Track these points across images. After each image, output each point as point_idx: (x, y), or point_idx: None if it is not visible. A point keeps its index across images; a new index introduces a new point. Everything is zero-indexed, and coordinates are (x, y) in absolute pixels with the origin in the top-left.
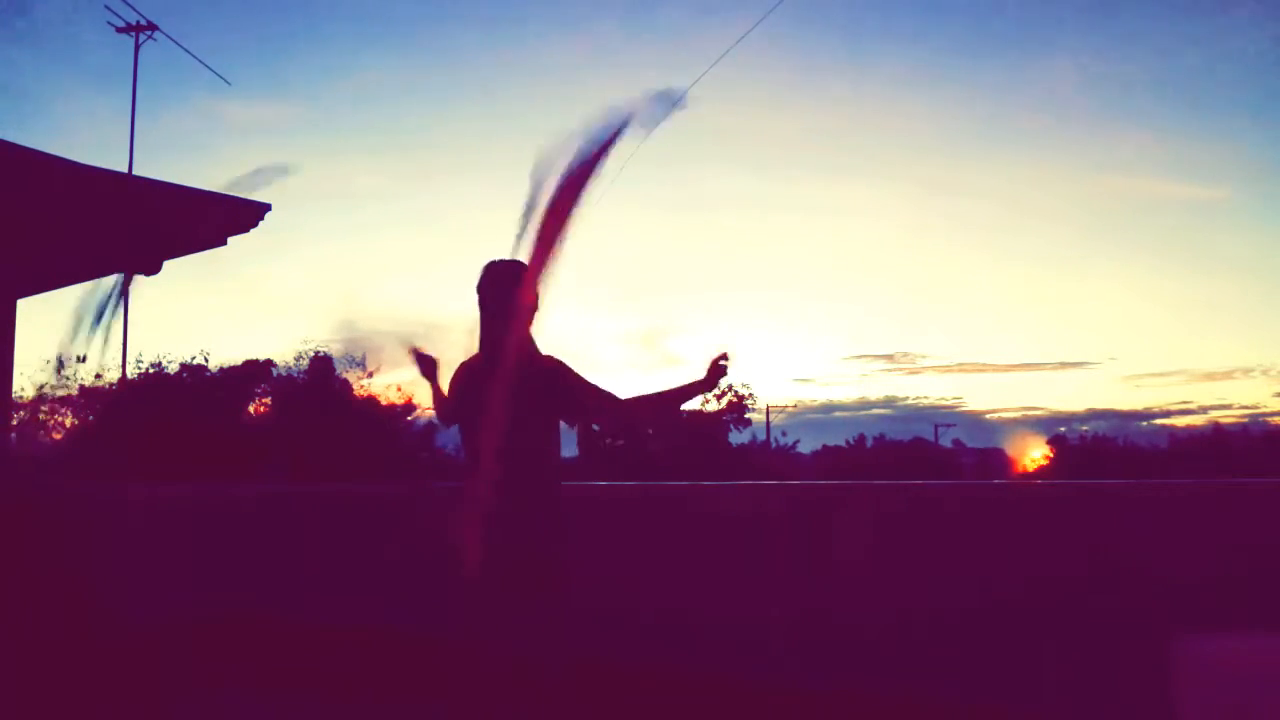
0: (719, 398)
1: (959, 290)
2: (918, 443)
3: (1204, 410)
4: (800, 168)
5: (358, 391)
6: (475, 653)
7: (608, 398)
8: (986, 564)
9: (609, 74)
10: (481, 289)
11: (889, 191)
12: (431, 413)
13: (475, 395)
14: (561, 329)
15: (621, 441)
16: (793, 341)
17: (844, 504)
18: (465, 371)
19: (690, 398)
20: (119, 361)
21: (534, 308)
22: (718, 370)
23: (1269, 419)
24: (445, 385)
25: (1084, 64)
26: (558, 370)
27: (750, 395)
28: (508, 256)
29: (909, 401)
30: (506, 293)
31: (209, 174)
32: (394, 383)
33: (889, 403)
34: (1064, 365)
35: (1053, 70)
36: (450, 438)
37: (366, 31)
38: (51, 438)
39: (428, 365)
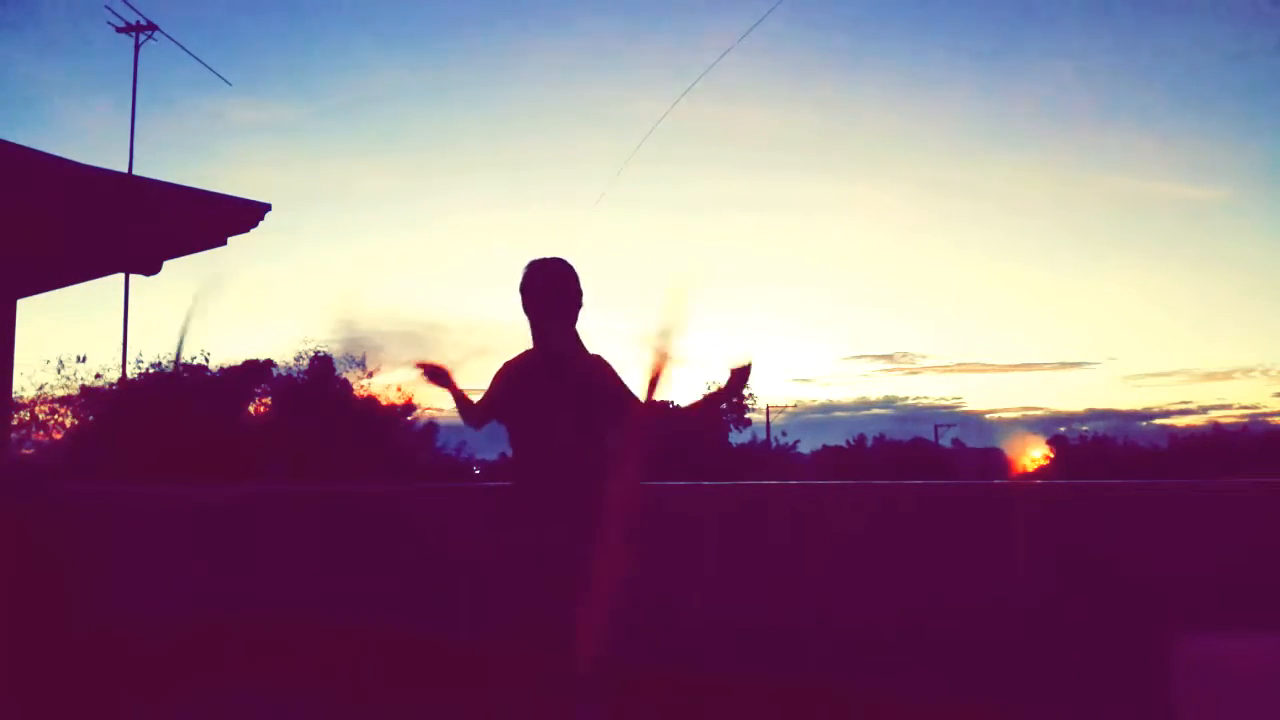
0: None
1: (959, 290)
2: (918, 443)
3: (1204, 410)
4: (800, 168)
5: (358, 391)
6: (491, 652)
7: (638, 403)
8: (985, 564)
9: (609, 75)
10: (531, 287)
11: (889, 191)
12: (433, 413)
13: (531, 391)
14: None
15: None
16: (793, 341)
17: (839, 502)
18: (516, 368)
19: (714, 407)
20: (119, 361)
21: (580, 305)
22: (740, 377)
23: (1269, 419)
24: (462, 387)
25: (1084, 64)
26: (603, 368)
27: (750, 395)
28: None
29: (909, 401)
30: (560, 290)
31: (209, 174)
32: (394, 383)
33: (889, 403)
34: (1064, 365)
35: (1053, 70)
36: (450, 438)
37: (367, 31)
38: (52, 437)
39: (438, 375)
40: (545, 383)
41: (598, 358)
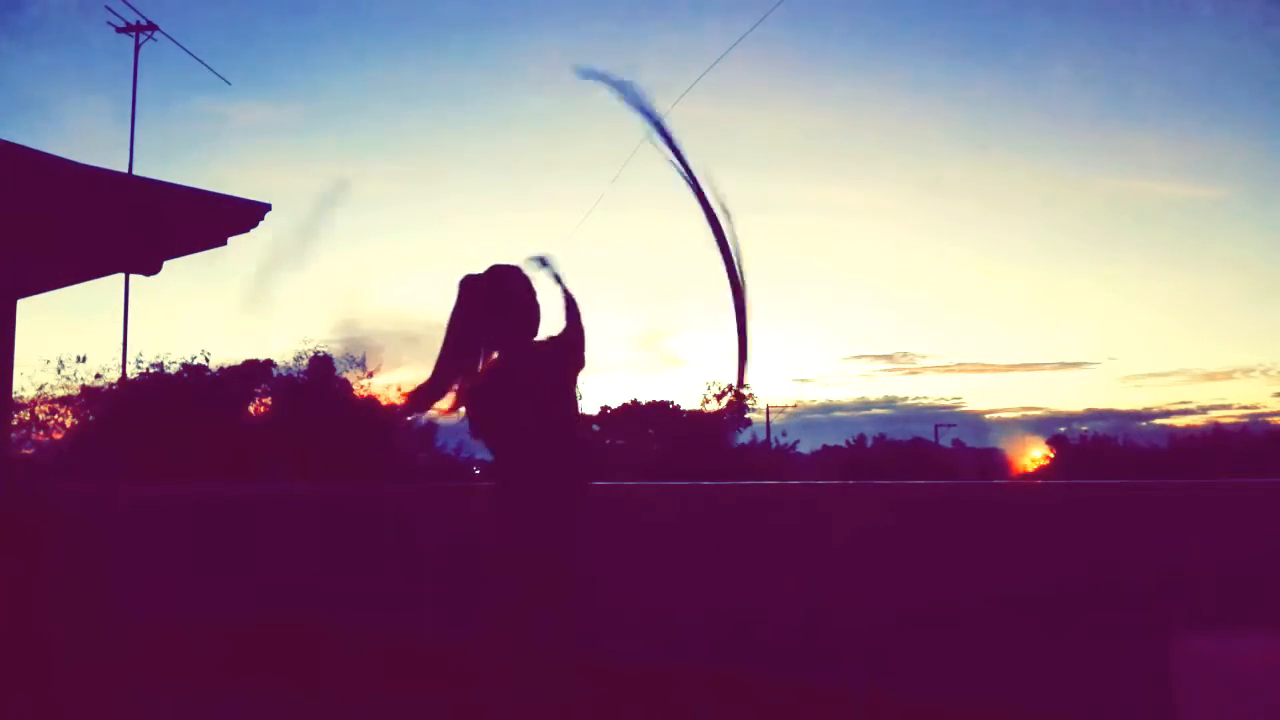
0: (719, 398)
1: (959, 290)
2: (918, 443)
3: (1204, 410)
4: (800, 168)
5: (358, 391)
6: (486, 651)
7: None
8: (985, 564)
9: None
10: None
11: (888, 191)
12: (433, 413)
13: (489, 398)
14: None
15: (622, 442)
16: (793, 341)
17: (847, 502)
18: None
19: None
20: (119, 361)
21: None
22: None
23: (1269, 419)
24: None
25: (1084, 65)
26: (525, 367)
27: (750, 395)
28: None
29: (909, 401)
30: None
31: (209, 174)
32: (394, 383)
33: (889, 403)
34: (1064, 365)
35: (1053, 71)
36: (450, 438)
37: (367, 32)
38: (52, 438)
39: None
40: (492, 392)
41: (528, 354)
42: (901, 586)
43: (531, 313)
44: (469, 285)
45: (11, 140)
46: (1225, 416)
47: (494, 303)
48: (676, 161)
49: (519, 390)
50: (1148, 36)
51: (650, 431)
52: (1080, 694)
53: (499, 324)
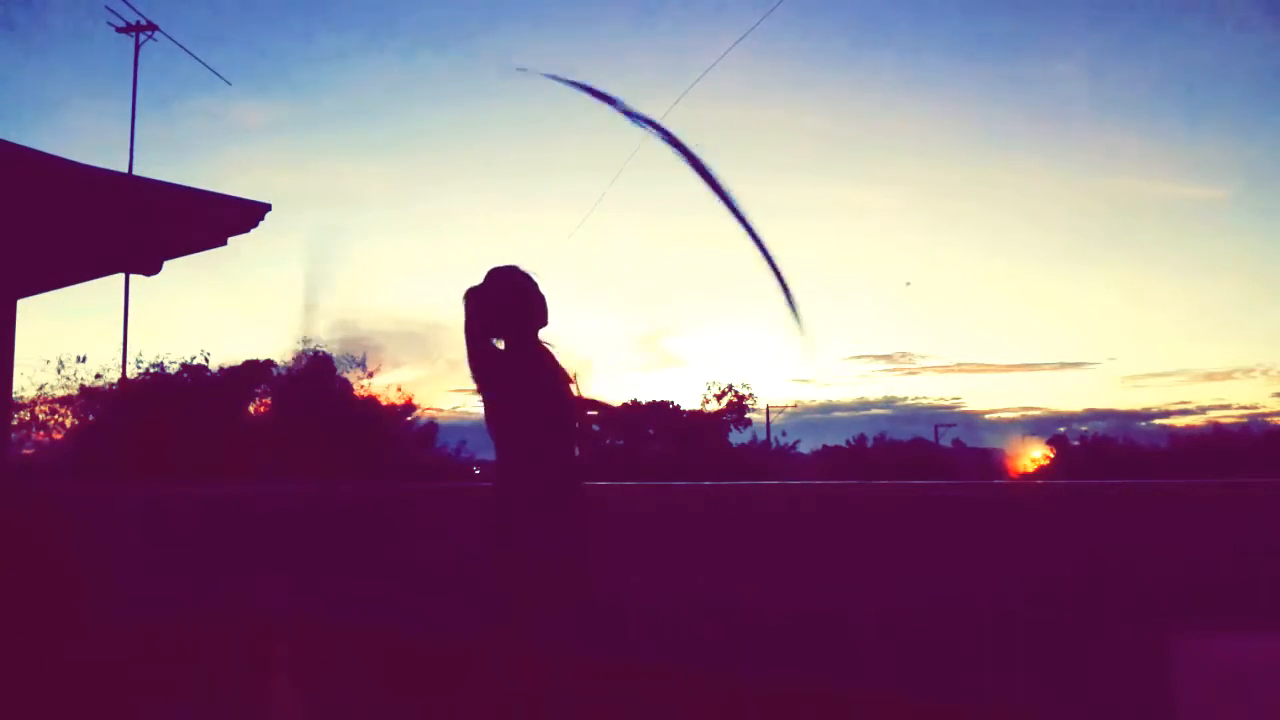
0: (719, 398)
1: (958, 290)
2: (918, 443)
3: (1203, 410)
4: (800, 168)
5: (358, 391)
6: (487, 652)
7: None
8: (984, 564)
9: (611, 75)
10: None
11: (889, 192)
12: (433, 413)
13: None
14: (564, 330)
15: (622, 442)
16: (792, 342)
17: (846, 499)
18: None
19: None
20: (119, 361)
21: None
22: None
23: (1269, 419)
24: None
25: (1084, 64)
26: (509, 373)
27: (750, 395)
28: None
29: (909, 401)
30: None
31: (209, 174)
32: (394, 383)
33: (889, 403)
34: (1064, 365)
35: (1053, 70)
36: (450, 437)
37: (367, 32)
38: (52, 438)
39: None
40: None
41: (511, 363)
42: (900, 587)
43: (534, 308)
44: (471, 297)
45: (12, 140)
46: (1225, 416)
47: (496, 307)
48: (678, 151)
49: (502, 392)
50: (1149, 37)
51: (650, 431)
52: (1080, 694)
53: (506, 326)
